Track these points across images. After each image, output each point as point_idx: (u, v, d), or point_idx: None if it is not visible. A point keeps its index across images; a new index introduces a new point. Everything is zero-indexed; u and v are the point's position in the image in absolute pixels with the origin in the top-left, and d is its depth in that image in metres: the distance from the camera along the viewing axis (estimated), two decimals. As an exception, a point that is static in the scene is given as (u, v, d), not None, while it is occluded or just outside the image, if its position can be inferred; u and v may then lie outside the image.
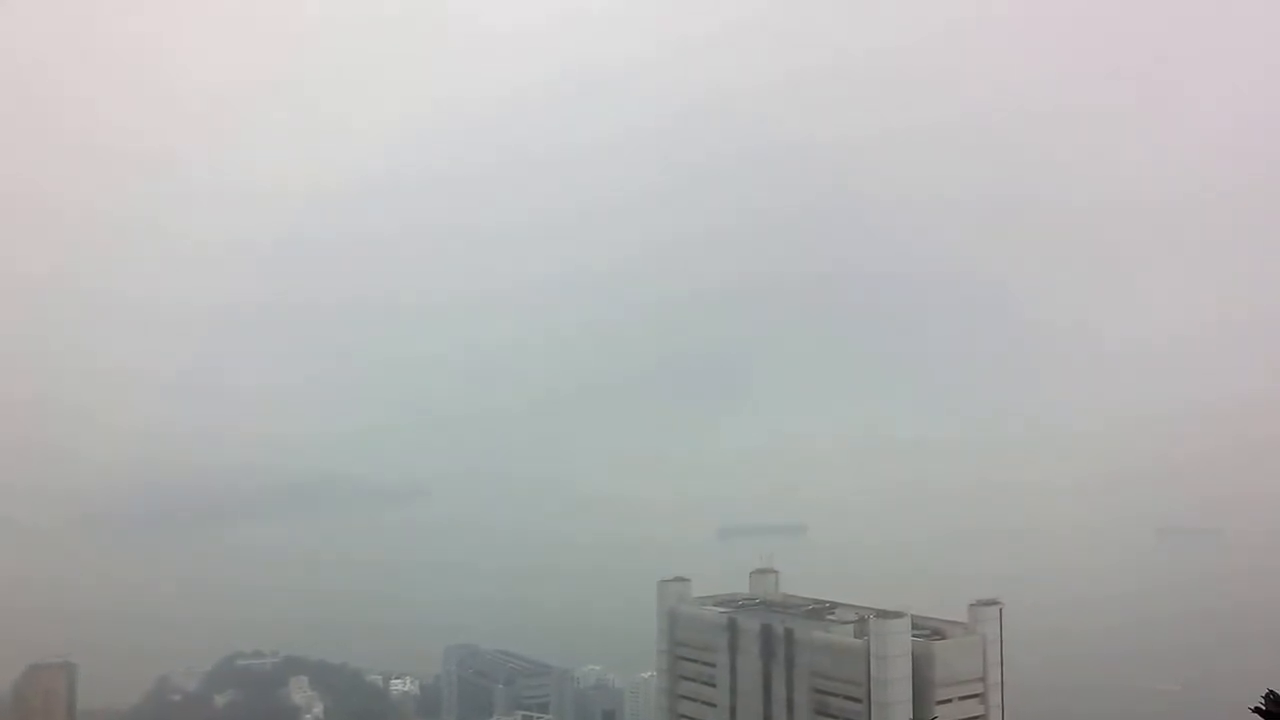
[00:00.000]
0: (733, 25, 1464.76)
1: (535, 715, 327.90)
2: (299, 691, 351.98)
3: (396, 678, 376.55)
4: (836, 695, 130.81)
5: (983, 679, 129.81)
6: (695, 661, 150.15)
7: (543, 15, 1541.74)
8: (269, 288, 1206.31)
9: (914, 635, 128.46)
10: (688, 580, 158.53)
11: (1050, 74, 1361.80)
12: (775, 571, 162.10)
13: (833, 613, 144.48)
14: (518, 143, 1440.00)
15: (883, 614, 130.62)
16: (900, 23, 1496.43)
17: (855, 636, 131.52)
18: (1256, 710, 23.50)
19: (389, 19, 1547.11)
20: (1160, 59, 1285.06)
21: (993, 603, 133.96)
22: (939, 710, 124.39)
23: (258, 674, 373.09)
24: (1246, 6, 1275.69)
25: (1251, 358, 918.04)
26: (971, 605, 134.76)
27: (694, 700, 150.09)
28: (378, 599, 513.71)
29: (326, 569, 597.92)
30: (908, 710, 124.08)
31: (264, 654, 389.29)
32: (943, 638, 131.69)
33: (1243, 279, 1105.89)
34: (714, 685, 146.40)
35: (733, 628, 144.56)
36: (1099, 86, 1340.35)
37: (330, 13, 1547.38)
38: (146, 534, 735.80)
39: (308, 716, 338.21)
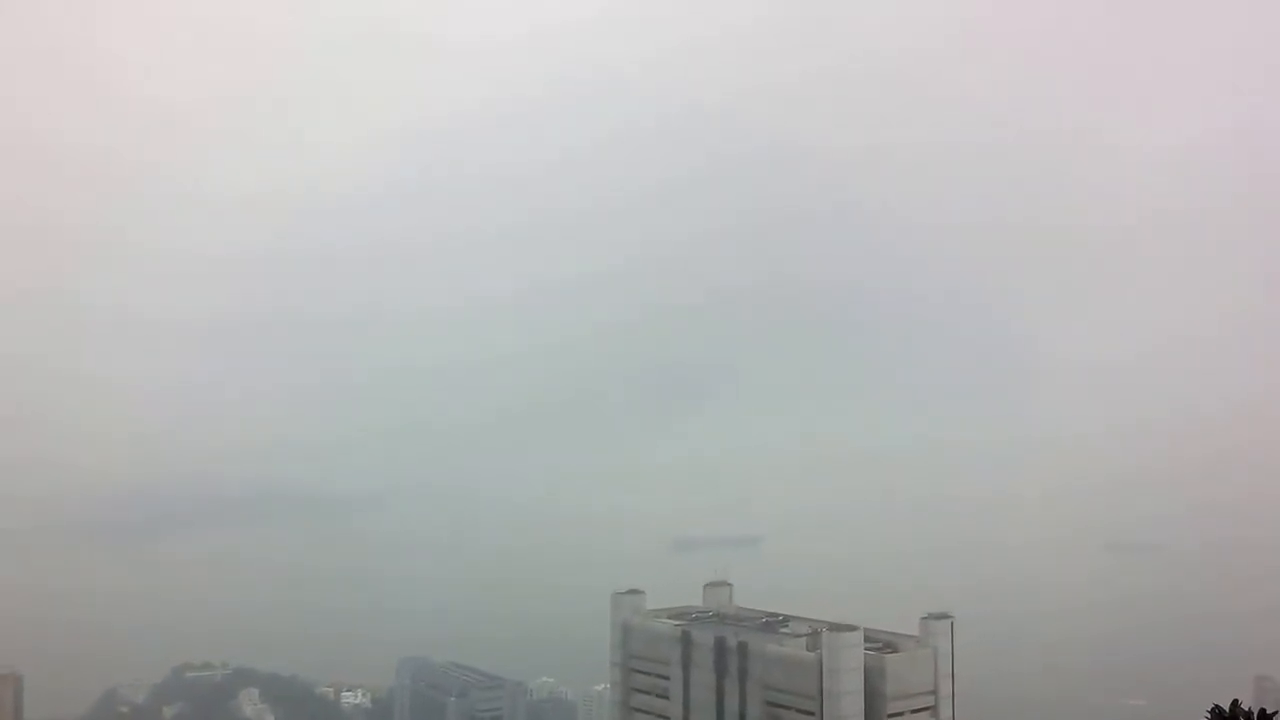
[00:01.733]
0: (732, 27, 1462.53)
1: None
2: (249, 704, 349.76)
3: (348, 690, 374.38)
4: (789, 708, 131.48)
5: (934, 692, 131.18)
6: (649, 674, 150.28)
7: (542, 16, 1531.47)
8: (253, 297, 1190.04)
9: (866, 648, 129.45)
10: (642, 593, 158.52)
11: (1050, 84, 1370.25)
12: (729, 584, 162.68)
13: (786, 626, 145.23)
14: (516, 146, 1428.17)
15: (835, 627, 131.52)
16: (900, 28, 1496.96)
17: (808, 650, 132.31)
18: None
19: (388, 19, 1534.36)
20: (1157, 64, 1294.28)
21: (944, 616, 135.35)
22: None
23: (207, 686, 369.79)
24: (1246, 6, 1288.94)
25: (1235, 368, 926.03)
26: (923, 619, 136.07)
27: (647, 713, 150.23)
28: (330, 611, 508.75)
29: (278, 580, 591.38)
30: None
31: (214, 666, 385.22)
32: (895, 651, 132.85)
33: (1236, 285, 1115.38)
34: (667, 698, 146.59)
35: (686, 640, 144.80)
36: (1094, 97, 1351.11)
37: (328, 14, 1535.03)
38: (94, 543, 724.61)
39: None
